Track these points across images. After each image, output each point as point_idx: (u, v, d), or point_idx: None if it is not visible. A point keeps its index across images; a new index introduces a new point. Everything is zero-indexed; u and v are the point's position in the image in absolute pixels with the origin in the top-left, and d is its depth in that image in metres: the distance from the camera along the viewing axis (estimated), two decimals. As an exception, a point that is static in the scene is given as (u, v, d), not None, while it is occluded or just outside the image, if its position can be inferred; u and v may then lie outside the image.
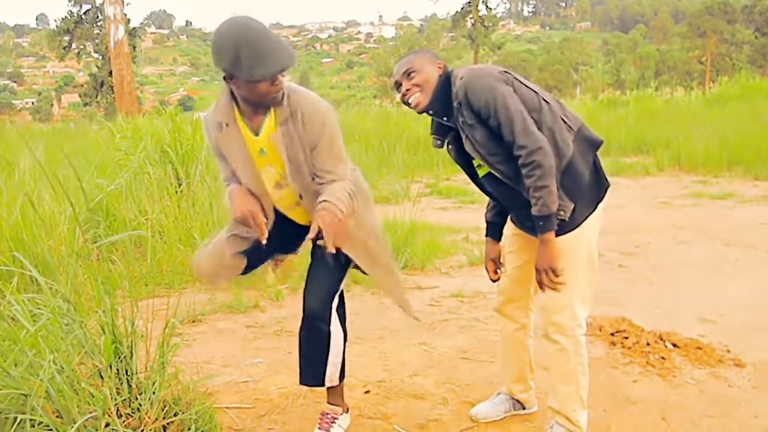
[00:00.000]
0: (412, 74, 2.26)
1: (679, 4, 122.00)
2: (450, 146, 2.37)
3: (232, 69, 2.05)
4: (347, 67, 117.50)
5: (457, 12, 48.40)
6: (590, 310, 2.36)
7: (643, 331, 3.40)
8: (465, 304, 4.08)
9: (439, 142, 2.40)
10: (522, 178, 2.14)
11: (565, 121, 2.22)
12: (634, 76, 60.31)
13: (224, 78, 2.13)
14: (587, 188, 2.24)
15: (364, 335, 3.58)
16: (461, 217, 6.74)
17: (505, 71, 2.21)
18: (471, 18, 47.32)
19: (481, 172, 2.36)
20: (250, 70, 2.03)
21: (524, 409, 2.70)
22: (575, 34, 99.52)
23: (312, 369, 2.42)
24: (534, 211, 2.12)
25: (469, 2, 47.11)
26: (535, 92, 2.21)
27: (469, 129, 2.20)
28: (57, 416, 2.08)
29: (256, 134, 2.24)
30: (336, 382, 2.47)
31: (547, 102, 2.21)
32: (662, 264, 4.88)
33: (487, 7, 47.51)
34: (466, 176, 2.45)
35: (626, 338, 3.33)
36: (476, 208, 7.26)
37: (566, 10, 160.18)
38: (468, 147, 2.24)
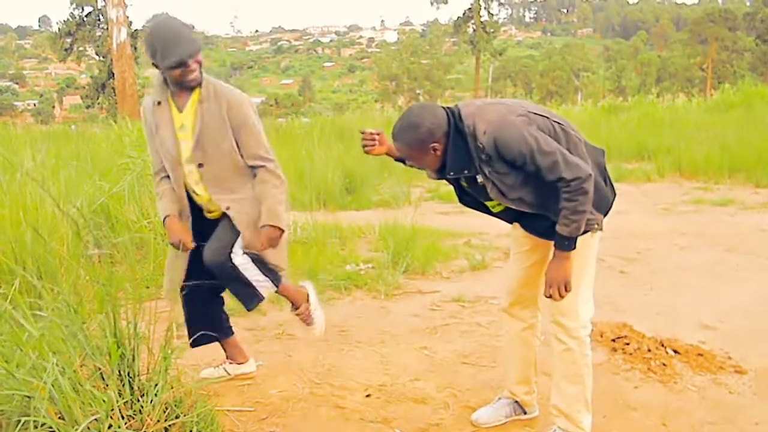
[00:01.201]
0: (410, 161, 2.31)
1: (681, 11, 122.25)
2: (456, 185, 2.43)
3: (153, 59, 2.56)
4: (349, 71, 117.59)
5: (458, 17, 48.56)
6: (592, 310, 2.40)
7: (645, 337, 3.40)
8: (466, 309, 4.08)
9: (436, 176, 2.40)
10: (549, 202, 2.20)
11: (578, 138, 2.27)
12: (635, 83, 60.38)
13: (153, 65, 2.61)
14: (604, 196, 2.32)
15: (365, 339, 3.59)
16: (462, 221, 6.73)
17: (521, 113, 2.19)
18: (473, 23, 47.47)
19: (496, 210, 2.43)
20: (163, 60, 2.53)
21: (525, 413, 2.71)
22: (576, 40, 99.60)
23: (246, 295, 2.80)
24: (564, 232, 2.16)
25: (471, 8, 47.24)
26: (547, 117, 2.24)
27: (499, 176, 2.20)
28: (60, 418, 2.08)
29: (180, 111, 2.67)
30: (275, 288, 2.84)
31: (559, 123, 2.25)
32: (663, 270, 4.89)
33: (488, 12, 47.69)
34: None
35: (627, 344, 3.33)
36: (477, 213, 7.24)
37: (568, 16, 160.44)
38: (493, 194, 2.26)
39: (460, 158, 2.22)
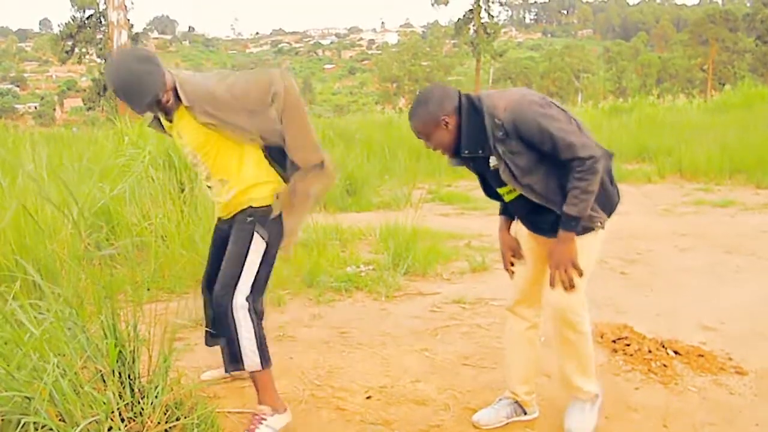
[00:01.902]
0: (426, 140, 2.35)
1: (681, 12, 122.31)
2: (477, 169, 2.46)
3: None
4: (349, 74, 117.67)
5: (459, 19, 48.54)
6: (584, 298, 2.47)
7: (645, 339, 3.40)
8: (466, 311, 4.08)
9: (456, 162, 2.47)
10: (554, 194, 2.29)
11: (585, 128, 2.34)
12: (636, 84, 60.38)
13: None
14: (609, 196, 2.40)
15: (366, 341, 3.59)
16: (463, 223, 6.74)
17: (539, 96, 2.31)
18: (473, 25, 47.46)
19: (508, 198, 2.46)
20: (129, 106, 2.43)
21: (525, 414, 2.72)
22: (577, 42, 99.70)
23: (230, 352, 2.55)
24: (572, 211, 2.24)
25: (471, 9, 47.25)
26: (564, 111, 2.33)
27: (512, 157, 2.27)
28: (60, 419, 2.09)
29: (170, 122, 2.62)
30: (258, 368, 2.54)
31: (576, 120, 2.33)
32: (664, 271, 4.88)
33: (489, 14, 47.66)
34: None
35: (628, 345, 3.33)
36: (478, 215, 7.27)
37: (568, 18, 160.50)
38: (505, 176, 2.31)
39: (475, 136, 2.29)
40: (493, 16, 47.91)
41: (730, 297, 4.25)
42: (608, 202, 2.40)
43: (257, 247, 2.58)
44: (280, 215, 2.62)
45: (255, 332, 2.53)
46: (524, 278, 2.60)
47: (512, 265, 2.64)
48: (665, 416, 2.74)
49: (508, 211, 2.63)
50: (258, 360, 2.53)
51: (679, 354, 3.26)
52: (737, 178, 9.00)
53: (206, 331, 2.91)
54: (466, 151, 2.33)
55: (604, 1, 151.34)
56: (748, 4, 69.24)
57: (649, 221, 6.71)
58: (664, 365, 3.15)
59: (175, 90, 2.47)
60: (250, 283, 2.56)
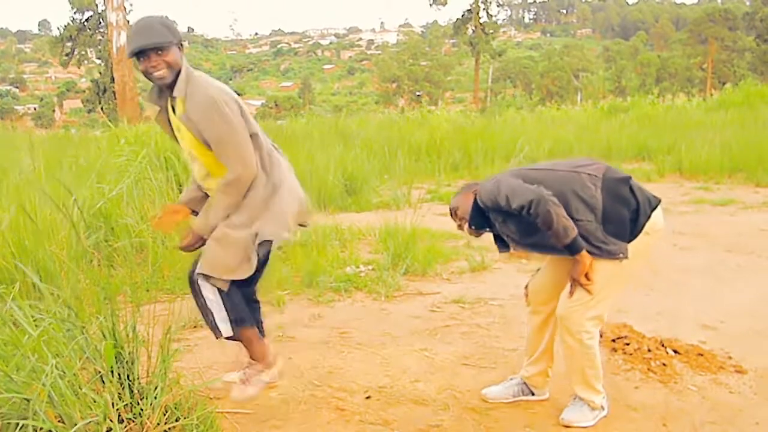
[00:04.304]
0: (456, 211, 2.69)
1: (680, 11, 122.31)
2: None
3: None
4: (348, 74, 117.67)
5: (458, 19, 48.59)
6: (603, 321, 2.61)
7: (645, 338, 3.40)
8: (466, 310, 4.08)
9: (501, 246, 2.77)
10: (544, 236, 2.48)
11: (589, 174, 2.48)
12: (635, 83, 60.38)
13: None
14: (630, 223, 2.49)
15: (366, 341, 3.58)
16: (462, 223, 6.73)
17: (519, 169, 2.63)
18: (472, 25, 47.49)
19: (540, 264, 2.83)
20: (128, 48, 2.57)
21: (533, 394, 2.85)
22: (576, 41, 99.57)
23: (207, 321, 2.74)
24: (558, 245, 2.45)
25: (470, 9, 47.27)
26: (549, 170, 2.57)
27: (503, 227, 2.60)
28: (59, 421, 2.09)
29: (174, 113, 2.65)
30: (230, 333, 2.72)
31: (557, 171, 2.53)
32: (663, 270, 4.88)
33: (487, 14, 47.71)
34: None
35: (627, 344, 3.33)
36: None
37: (567, 17, 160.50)
38: (513, 247, 2.69)
39: (481, 218, 2.64)
40: (491, 16, 47.99)
41: (730, 296, 4.25)
42: (621, 228, 2.48)
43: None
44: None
45: (222, 298, 2.67)
46: (542, 280, 2.78)
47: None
48: (665, 415, 2.74)
49: None
50: (228, 326, 2.71)
51: (679, 353, 3.26)
52: (737, 176, 8.99)
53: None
54: (478, 229, 2.68)
55: (604, 0, 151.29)
56: (748, 3, 69.26)
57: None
58: (664, 364, 3.15)
59: (176, 75, 2.56)
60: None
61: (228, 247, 2.62)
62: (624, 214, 2.47)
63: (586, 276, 2.47)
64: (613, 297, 2.60)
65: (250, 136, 2.61)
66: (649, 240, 2.51)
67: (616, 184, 2.49)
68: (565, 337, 2.60)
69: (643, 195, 2.51)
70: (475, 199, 2.63)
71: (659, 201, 2.55)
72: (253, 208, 2.63)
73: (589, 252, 2.44)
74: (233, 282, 2.67)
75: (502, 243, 2.73)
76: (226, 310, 2.69)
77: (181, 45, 2.60)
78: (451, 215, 2.75)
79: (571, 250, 2.44)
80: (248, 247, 2.63)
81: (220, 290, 2.67)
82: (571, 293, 2.53)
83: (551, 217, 2.38)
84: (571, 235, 2.40)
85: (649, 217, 2.49)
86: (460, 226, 2.73)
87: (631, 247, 2.48)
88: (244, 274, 2.66)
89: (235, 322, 2.72)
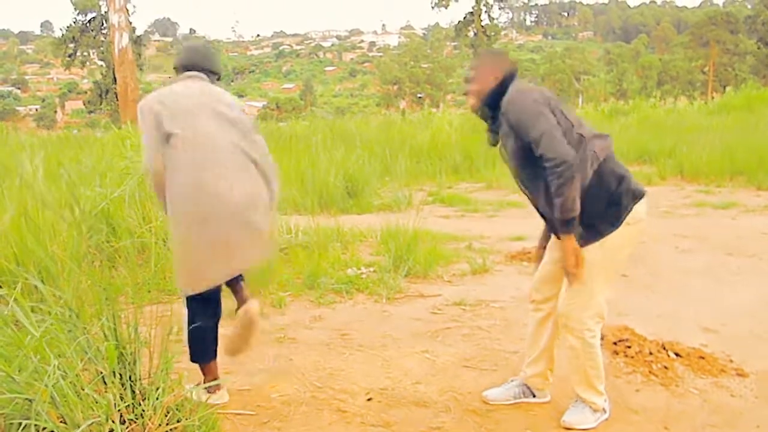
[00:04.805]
0: (471, 80, 2.61)
1: (682, 14, 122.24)
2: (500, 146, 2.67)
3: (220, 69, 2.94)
4: (350, 76, 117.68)
5: (459, 21, 48.54)
6: (603, 317, 2.60)
7: (646, 341, 3.39)
8: (467, 312, 4.08)
9: (491, 137, 2.69)
10: (537, 187, 2.49)
11: (594, 152, 2.47)
12: (637, 86, 60.35)
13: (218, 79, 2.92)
14: (605, 212, 2.47)
15: (367, 343, 3.58)
16: (464, 225, 6.73)
17: (551, 97, 2.50)
18: (473, 27, 47.46)
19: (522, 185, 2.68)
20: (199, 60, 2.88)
21: (534, 396, 2.85)
22: (577, 44, 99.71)
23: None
24: (555, 214, 2.41)
25: (472, 12, 47.27)
26: (564, 114, 2.47)
27: (505, 138, 2.56)
28: (61, 421, 2.09)
29: None
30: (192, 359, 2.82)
31: (581, 135, 2.47)
32: (665, 273, 4.88)
33: (489, 16, 47.65)
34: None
35: (629, 347, 3.33)
36: (479, 217, 7.27)
37: (568, 20, 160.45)
38: (502, 153, 2.62)
39: (490, 108, 2.58)
40: (493, 18, 47.90)
41: (731, 299, 4.25)
42: (610, 212, 2.46)
43: None
44: None
45: (188, 325, 2.73)
46: (539, 273, 2.78)
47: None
48: (666, 418, 2.74)
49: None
50: (189, 354, 2.79)
51: (680, 356, 3.25)
52: (738, 179, 8.99)
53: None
54: (478, 113, 2.64)
55: (605, 3, 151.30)
56: (749, 6, 69.16)
57: (650, 223, 6.66)
58: (665, 367, 3.15)
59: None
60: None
61: None
62: (600, 206, 2.46)
63: (577, 264, 2.45)
64: (606, 290, 2.58)
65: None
66: (630, 231, 2.51)
67: (609, 174, 2.48)
68: (568, 337, 2.61)
69: (628, 187, 2.50)
70: (499, 86, 2.54)
71: (644, 193, 2.54)
72: None
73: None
74: None
75: (494, 136, 2.66)
76: (191, 338, 2.80)
77: None
78: (465, 80, 2.66)
79: (563, 226, 2.41)
80: None
81: (191, 311, 2.81)
82: (570, 284, 2.52)
83: (569, 187, 2.33)
84: (573, 214, 2.37)
85: (629, 210, 2.49)
86: (466, 95, 2.66)
87: (614, 238, 2.47)
88: None
89: (195, 355, 2.85)
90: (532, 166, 2.46)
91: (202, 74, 2.84)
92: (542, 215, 2.65)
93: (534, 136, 2.37)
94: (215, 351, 2.84)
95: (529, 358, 2.85)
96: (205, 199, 2.59)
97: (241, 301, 2.84)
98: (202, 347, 2.79)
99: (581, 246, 2.45)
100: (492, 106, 2.56)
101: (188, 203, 2.62)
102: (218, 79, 2.92)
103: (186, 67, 2.85)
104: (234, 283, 2.83)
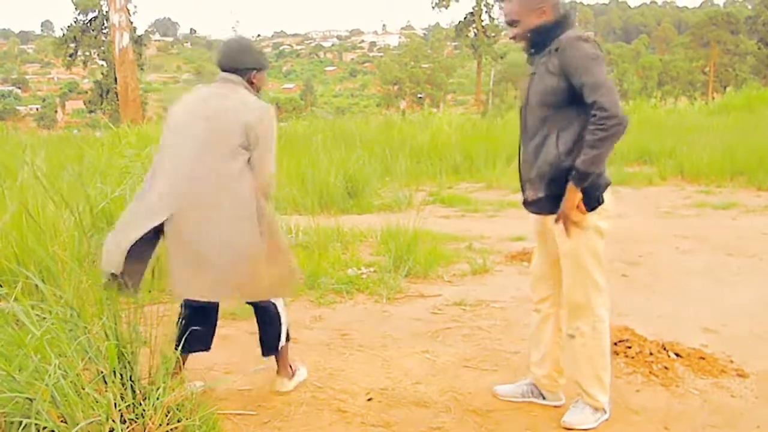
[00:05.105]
0: (518, 7, 2.48)
1: (682, 15, 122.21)
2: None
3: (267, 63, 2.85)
4: (350, 76, 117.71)
5: (460, 21, 48.53)
6: (607, 300, 2.59)
7: (646, 341, 3.39)
8: (468, 313, 4.08)
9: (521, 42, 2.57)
10: (542, 132, 2.44)
11: None
12: (637, 86, 60.26)
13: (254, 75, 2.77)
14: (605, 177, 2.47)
15: (367, 343, 3.59)
16: (464, 225, 6.73)
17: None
18: (474, 27, 47.46)
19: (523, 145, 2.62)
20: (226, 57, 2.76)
21: (543, 398, 2.85)
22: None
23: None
24: (577, 162, 2.35)
25: (472, 12, 47.25)
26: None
27: (543, 73, 2.44)
28: (62, 421, 2.09)
29: None
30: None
31: None
32: (665, 273, 4.88)
33: (490, 16, 47.63)
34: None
35: (629, 348, 3.33)
36: (479, 217, 7.27)
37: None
38: (522, 90, 2.57)
39: (533, 40, 2.50)
40: (493, 19, 47.85)
41: (732, 299, 4.25)
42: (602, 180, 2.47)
43: None
44: None
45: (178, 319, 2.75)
46: (534, 274, 2.78)
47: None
48: (666, 418, 2.74)
49: None
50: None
51: (681, 356, 3.25)
52: (739, 180, 8.99)
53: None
54: (528, 35, 2.49)
55: (606, 3, 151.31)
56: (750, 7, 69.17)
57: (651, 223, 6.71)
58: (666, 367, 3.15)
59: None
60: None
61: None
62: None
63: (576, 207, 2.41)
64: (602, 275, 2.57)
65: None
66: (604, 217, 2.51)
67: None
68: (578, 325, 2.58)
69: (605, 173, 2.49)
70: (551, 23, 2.45)
71: (608, 183, 2.51)
72: None
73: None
74: None
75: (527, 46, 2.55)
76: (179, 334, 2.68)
77: None
78: (526, 3, 2.48)
79: (580, 178, 2.35)
80: None
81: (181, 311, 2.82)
82: (567, 233, 2.45)
83: (610, 142, 2.30)
84: (596, 170, 2.34)
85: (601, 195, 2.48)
86: (509, 24, 2.53)
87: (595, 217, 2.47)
88: None
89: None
90: (556, 109, 2.42)
91: (232, 75, 2.71)
92: (520, 168, 2.61)
93: (592, 82, 2.30)
94: (192, 346, 2.76)
95: (534, 360, 2.85)
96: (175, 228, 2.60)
97: (277, 371, 3.01)
98: (180, 336, 2.69)
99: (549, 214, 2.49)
100: (537, 40, 2.49)
101: (161, 215, 2.59)
102: (259, 71, 2.77)
103: (220, 67, 2.75)
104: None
